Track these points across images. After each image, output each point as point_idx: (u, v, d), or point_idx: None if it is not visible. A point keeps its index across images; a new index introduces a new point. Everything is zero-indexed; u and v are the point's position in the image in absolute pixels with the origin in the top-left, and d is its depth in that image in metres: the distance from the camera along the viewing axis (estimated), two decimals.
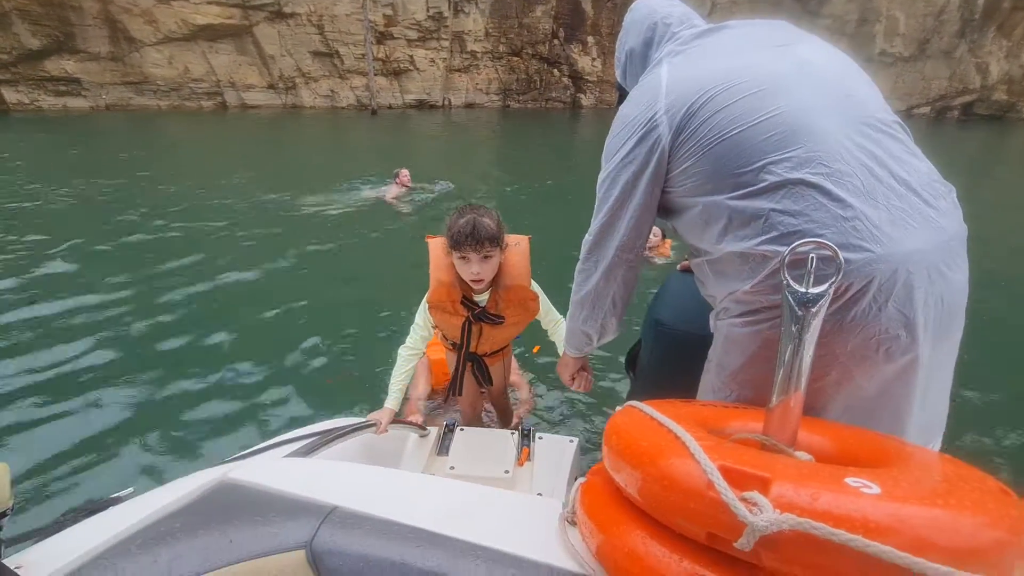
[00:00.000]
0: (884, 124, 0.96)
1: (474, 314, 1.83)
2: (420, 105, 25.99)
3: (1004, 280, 5.14)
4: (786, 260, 0.71)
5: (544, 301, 1.96)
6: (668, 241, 5.41)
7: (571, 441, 1.87)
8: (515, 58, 27.43)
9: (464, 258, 1.70)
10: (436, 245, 1.82)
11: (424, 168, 9.45)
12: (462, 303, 1.82)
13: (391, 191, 7.92)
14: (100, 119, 18.25)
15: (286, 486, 0.88)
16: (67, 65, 19.56)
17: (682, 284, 1.33)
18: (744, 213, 0.93)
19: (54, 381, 3.16)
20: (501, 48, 27.20)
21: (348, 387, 3.24)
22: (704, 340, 1.13)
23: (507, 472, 1.71)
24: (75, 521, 0.88)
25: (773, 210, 0.90)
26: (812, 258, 0.69)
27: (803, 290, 0.69)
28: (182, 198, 7.67)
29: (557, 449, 1.84)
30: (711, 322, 1.10)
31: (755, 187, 0.92)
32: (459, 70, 26.98)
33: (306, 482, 0.90)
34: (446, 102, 26.91)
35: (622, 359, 1.68)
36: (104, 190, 7.92)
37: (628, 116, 1.06)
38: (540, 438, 1.91)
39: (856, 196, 0.87)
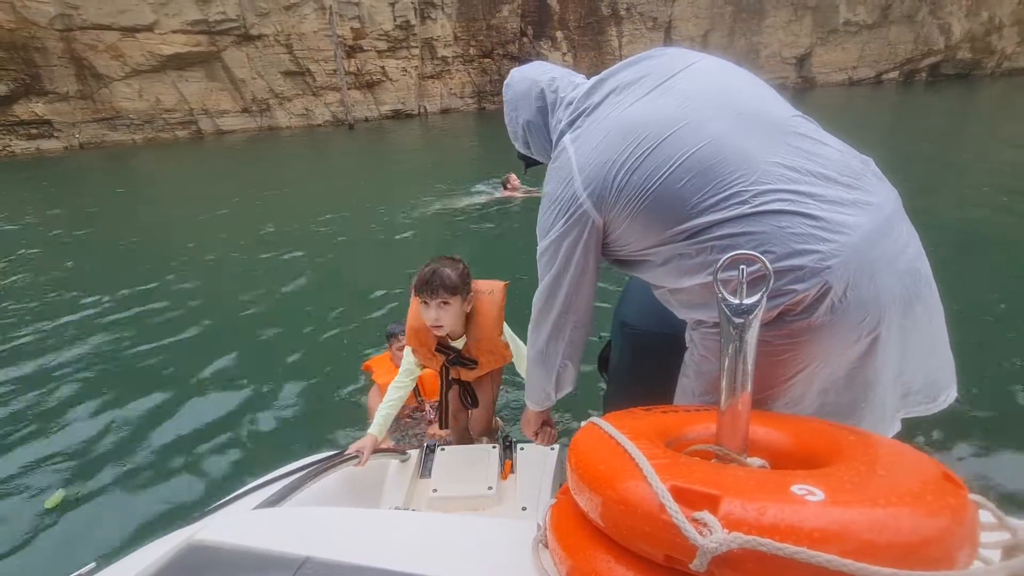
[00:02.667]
0: (786, 124, 0.99)
1: (449, 359, 1.94)
2: (396, 115, 25.97)
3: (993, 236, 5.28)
4: (718, 277, 0.73)
5: (515, 346, 2.01)
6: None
7: (552, 448, 1.86)
8: (486, 60, 27.48)
9: (424, 303, 1.79)
10: (414, 295, 1.89)
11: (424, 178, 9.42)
12: (437, 350, 1.92)
13: (502, 193, 8.25)
14: (75, 158, 18.08)
15: (257, 542, 0.85)
16: (36, 107, 19.36)
17: (646, 284, 1.34)
18: (693, 252, 0.96)
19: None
20: (471, 51, 27.24)
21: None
22: (671, 338, 1.16)
23: (491, 488, 1.71)
24: None
25: (716, 240, 0.93)
26: (742, 269, 0.72)
27: (736, 301, 0.71)
28: (163, 226, 7.67)
29: (540, 458, 1.84)
30: (687, 335, 1.13)
31: (694, 230, 0.95)
32: (432, 77, 26.99)
33: (277, 535, 0.88)
34: (422, 110, 26.90)
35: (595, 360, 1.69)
36: (93, 227, 7.90)
37: (553, 195, 1.10)
38: (522, 448, 1.90)
39: (787, 204, 0.90)
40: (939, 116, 16.21)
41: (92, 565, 0.94)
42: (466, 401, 2.17)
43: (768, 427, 0.82)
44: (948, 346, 1.07)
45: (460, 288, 1.80)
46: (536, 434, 1.62)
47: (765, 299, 0.70)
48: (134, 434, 2.96)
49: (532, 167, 1.41)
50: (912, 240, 0.98)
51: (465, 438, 2.39)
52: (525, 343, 1.97)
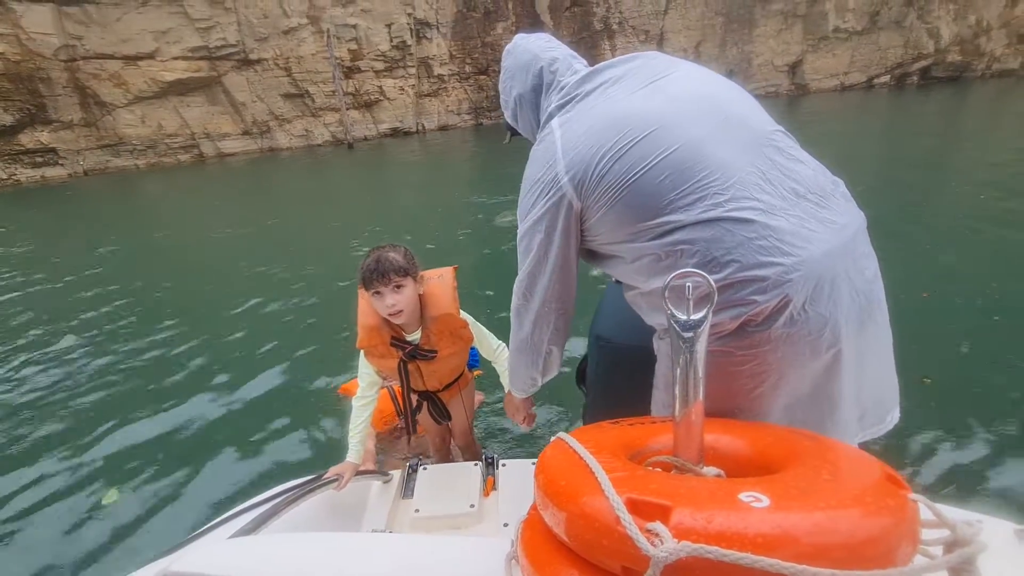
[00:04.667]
0: (767, 138, 1.01)
1: (406, 353, 1.84)
2: (395, 133, 26.31)
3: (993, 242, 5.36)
4: (666, 293, 0.75)
5: (477, 328, 1.97)
6: None
7: (534, 463, 1.78)
8: (482, 76, 27.89)
9: (378, 293, 1.71)
10: (361, 295, 1.85)
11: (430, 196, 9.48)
12: (392, 344, 1.83)
13: None
14: (80, 185, 18.35)
15: (232, 571, 0.85)
16: (41, 136, 19.72)
17: (619, 297, 1.34)
18: (661, 253, 0.98)
19: None
20: (467, 68, 27.67)
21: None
22: (644, 351, 1.17)
23: (473, 506, 1.70)
24: None
25: (684, 244, 0.95)
26: (688, 287, 0.75)
27: (684, 317, 0.73)
28: (165, 251, 7.80)
29: (521, 474, 1.83)
30: (654, 343, 1.14)
31: (664, 228, 0.97)
32: (429, 95, 27.38)
33: (253, 565, 0.87)
34: (420, 127, 27.26)
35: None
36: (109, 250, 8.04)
37: (533, 178, 1.11)
38: (504, 465, 1.90)
39: (756, 215, 0.93)
40: (932, 118, 16.37)
41: None
42: (438, 416, 2.10)
43: (730, 435, 0.85)
44: (894, 369, 1.11)
45: (410, 269, 1.74)
46: (524, 419, 1.65)
47: (711, 315, 0.73)
48: (111, 458, 2.90)
49: (516, 137, 1.41)
50: (871, 263, 1.01)
51: (448, 457, 2.37)
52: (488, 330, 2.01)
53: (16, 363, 4.42)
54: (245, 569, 0.85)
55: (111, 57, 20.04)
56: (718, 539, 0.52)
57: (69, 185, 18.70)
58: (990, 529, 0.60)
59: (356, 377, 1.94)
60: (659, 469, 0.76)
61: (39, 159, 19.94)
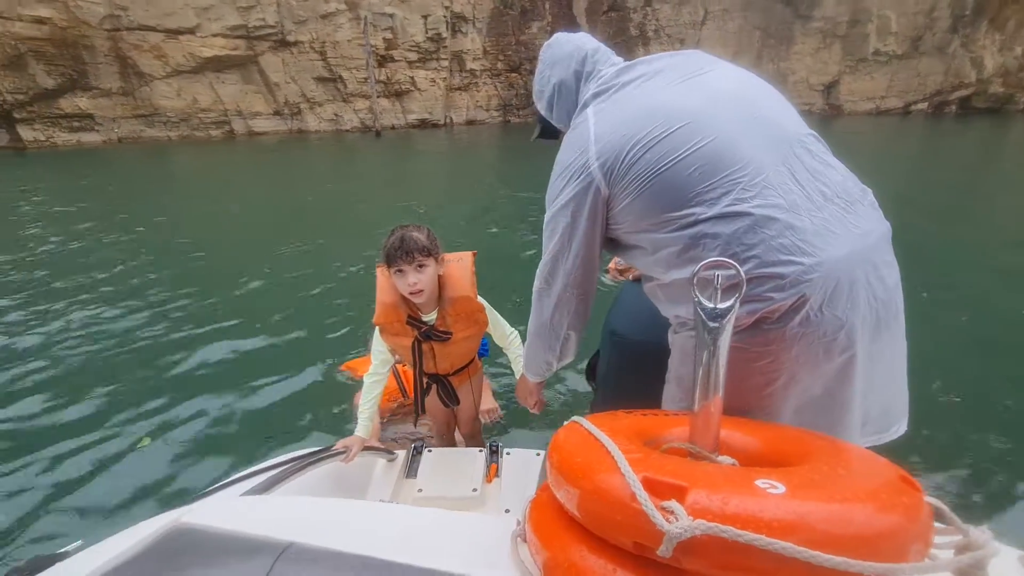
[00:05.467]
0: (798, 139, 1.02)
1: (421, 332, 1.85)
2: (422, 124, 26.48)
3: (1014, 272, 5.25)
4: (694, 281, 0.75)
5: (492, 313, 1.98)
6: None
7: (538, 454, 1.87)
8: (513, 74, 27.93)
9: (400, 271, 1.72)
10: (380, 271, 1.86)
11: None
12: (408, 323, 1.84)
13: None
14: (114, 152, 18.73)
15: (241, 526, 0.86)
16: (80, 102, 20.19)
17: (635, 294, 1.32)
18: (683, 244, 0.99)
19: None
20: (499, 65, 27.74)
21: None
22: (657, 348, 1.18)
23: (475, 490, 1.71)
24: None
25: (707, 238, 0.96)
26: (717, 275, 0.74)
27: (711, 305, 0.73)
28: (180, 227, 7.94)
29: (525, 463, 1.84)
30: (669, 337, 1.15)
31: (689, 219, 0.98)
32: (459, 88, 27.51)
33: (262, 520, 0.89)
34: (447, 120, 27.39)
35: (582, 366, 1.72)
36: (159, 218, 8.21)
37: (564, 163, 1.13)
38: (508, 453, 1.91)
39: (781, 213, 0.93)
40: (969, 149, 16.00)
41: (79, 543, 0.95)
42: (446, 400, 2.10)
43: (744, 432, 0.85)
44: (905, 380, 1.10)
45: (432, 249, 1.76)
46: (535, 404, 1.66)
47: (738, 304, 0.73)
48: (131, 421, 3.04)
49: (541, 139, 1.42)
50: (892, 272, 1.02)
51: (452, 443, 2.38)
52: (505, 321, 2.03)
53: (67, 315, 4.57)
54: (256, 524, 0.87)
55: (153, 29, 20.43)
56: (733, 520, 0.52)
57: (103, 151, 19.10)
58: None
59: (359, 355, 1.88)
60: (670, 455, 0.76)
61: (76, 124, 20.43)
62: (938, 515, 0.61)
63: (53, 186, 11.67)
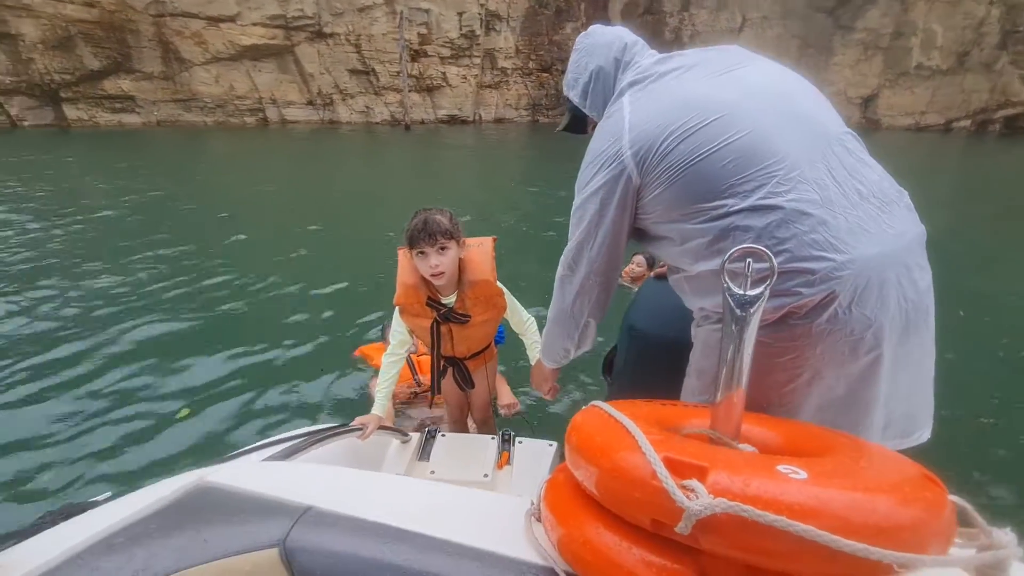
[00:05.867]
0: (836, 137, 1.01)
1: (440, 314, 1.88)
2: (451, 120, 26.63)
3: None
4: (725, 267, 0.73)
5: (511, 299, 2.00)
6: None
7: (550, 445, 1.88)
8: (544, 74, 27.92)
9: (422, 253, 1.75)
10: (402, 254, 1.90)
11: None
12: (428, 304, 1.87)
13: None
14: (152, 134, 19.26)
15: (262, 488, 0.89)
16: (123, 84, 20.81)
17: (656, 291, 1.32)
18: (713, 236, 0.98)
19: (36, 385, 3.12)
20: (531, 64, 27.75)
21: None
22: (676, 344, 1.17)
23: (486, 476, 1.73)
24: (52, 524, 0.88)
25: (738, 230, 0.95)
26: (748, 263, 0.73)
27: (741, 292, 0.72)
28: (214, 206, 8.11)
29: (536, 453, 1.86)
30: (692, 330, 1.14)
31: (720, 211, 0.97)
32: (490, 86, 27.60)
33: (283, 484, 0.91)
34: (477, 117, 27.51)
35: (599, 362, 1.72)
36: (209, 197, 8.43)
37: (597, 150, 1.12)
38: (520, 442, 1.92)
39: (815, 208, 0.92)
40: (1017, 169, 15.44)
41: (108, 494, 1.00)
42: (461, 383, 2.12)
43: (765, 426, 0.84)
44: (931, 387, 1.08)
45: (455, 232, 1.78)
46: (549, 390, 1.66)
47: (768, 292, 0.71)
48: (163, 390, 3.20)
49: (566, 131, 1.41)
50: (925, 275, 1.00)
51: (465, 430, 2.40)
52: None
53: (98, 289, 4.72)
54: (277, 487, 0.90)
55: (195, 16, 20.95)
56: (754, 502, 0.51)
57: (142, 132, 19.66)
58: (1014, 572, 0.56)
59: (372, 341, 1.87)
60: (691, 439, 0.75)
61: (118, 105, 21.07)
62: (962, 516, 0.59)
63: (96, 163, 12.07)
